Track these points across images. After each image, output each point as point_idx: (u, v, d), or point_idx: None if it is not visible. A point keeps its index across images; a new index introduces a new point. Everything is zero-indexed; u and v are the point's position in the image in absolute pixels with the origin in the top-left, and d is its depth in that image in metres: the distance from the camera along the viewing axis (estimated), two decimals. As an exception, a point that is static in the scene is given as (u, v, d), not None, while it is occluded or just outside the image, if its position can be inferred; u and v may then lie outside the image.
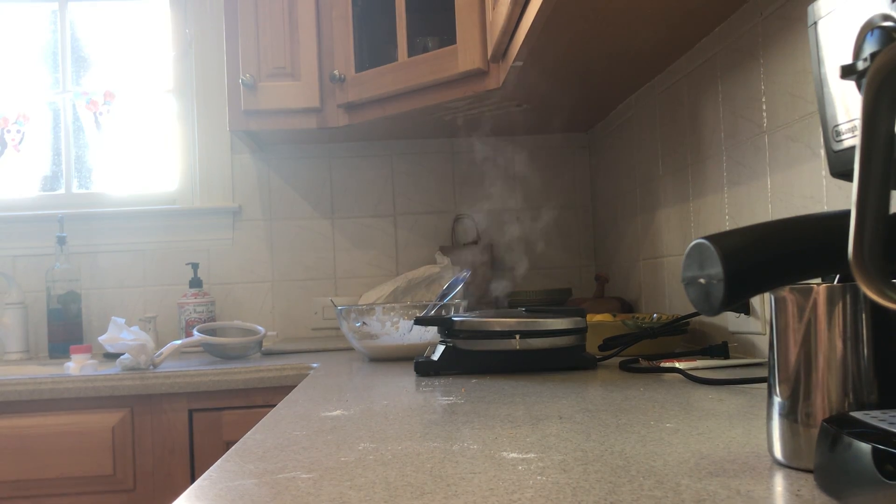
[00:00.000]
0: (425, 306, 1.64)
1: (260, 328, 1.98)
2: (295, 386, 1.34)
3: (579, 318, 1.36)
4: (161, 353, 1.80)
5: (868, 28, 0.54)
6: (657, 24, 1.42)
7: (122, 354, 1.78)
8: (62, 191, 2.48)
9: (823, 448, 0.53)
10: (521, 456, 0.68)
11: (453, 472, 0.63)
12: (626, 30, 1.44)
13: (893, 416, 0.53)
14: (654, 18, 1.39)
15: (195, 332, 1.90)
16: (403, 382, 1.25)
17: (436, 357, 1.35)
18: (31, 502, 1.68)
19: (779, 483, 0.57)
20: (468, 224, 2.47)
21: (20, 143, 2.47)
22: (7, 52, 2.51)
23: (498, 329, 1.33)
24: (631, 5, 1.32)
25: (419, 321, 1.43)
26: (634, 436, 0.75)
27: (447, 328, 1.36)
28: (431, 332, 1.60)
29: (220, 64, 2.26)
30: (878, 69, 0.49)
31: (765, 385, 0.63)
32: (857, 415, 0.54)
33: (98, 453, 1.68)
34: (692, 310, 1.41)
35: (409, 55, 1.89)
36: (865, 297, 0.50)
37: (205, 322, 2.20)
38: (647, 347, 1.43)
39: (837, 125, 0.61)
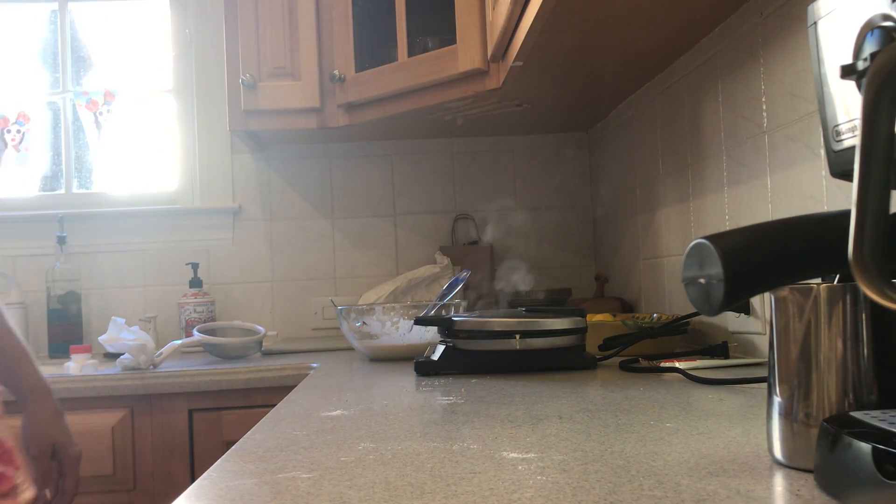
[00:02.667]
0: (425, 306, 1.64)
1: (260, 328, 1.98)
2: (295, 386, 1.34)
3: (579, 318, 1.36)
4: (161, 353, 1.80)
5: (868, 28, 0.54)
6: (657, 24, 1.42)
7: (122, 354, 1.78)
8: (62, 191, 2.48)
9: (823, 448, 0.53)
10: (521, 456, 0.68)
11: (453, 472, 0.63)
12: (626, 30, 1.44)
13: (893, 416, 0.53)
14: (654, 18, 1.39)
15: (195, 332, 1.90)
16: (403, 382, 1.25)
17: (436, 357, 1.35)
18: (31, 502, 1.68)
19: (779, 483, 0.57)
20: (468, 224, 2.47)
21: (20, 143, 2.47)
22: (7, 52, 2.51)
23: (498, 329, 1.33)
24: (631, 6, 1.31)
25: (419, 321, 1.43)
26: (634, 436, 0.75)
27: (447, 328, 1.36)
28: (431, 332, 1.60)
29: (220, 64, 2.26)
30: (878, 69, 0.49)
31: (765, 385, 0.63)
32: (857, 415, 0.54)
33: (98, 453, 1.68)
34: (692, 310, 1.41)
35: (409, 55, 1.89)
36: (865, 297, 0.50)
37: (205, 322, 2.20)
38: (647, 347, 1.42)
39: (837, 125, 0.61)
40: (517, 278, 2.34)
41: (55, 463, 1.35)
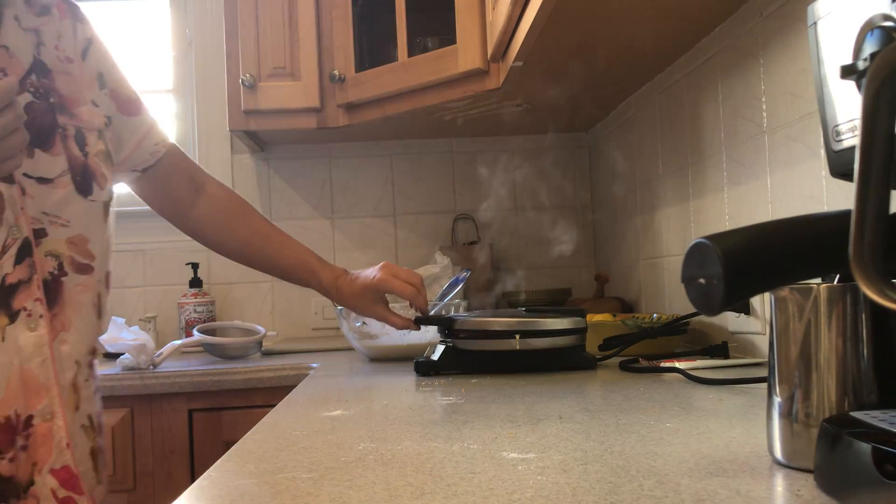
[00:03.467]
0: (425, 306, 1.64)
1: (260, 328, 1.98)
2: (295, 386, 1.34)
3: (579, 318, 1.35)
4: (161, 353, 1.80)
5: (868, 28, 0.54)
6: (657, 24, 1.42)
7: (122, 354, 1.78)
8: (62, 191, 2.47)
9: (823, 448, 0.53)
10: (521, 456, 0.68)
11: (453, 472, 0.63)
12: (626, 30, 1.44)
13: (893, 416, 0.53)
14: (654, 18, 1.39)
15: (195, 332, 1.90)
16: (403, 382, 1.25)
17: (436, 357, 1.35)
18: (31, 502, 1.68)
19: (779, 483, 0.57)
20: (468, 224, 2.47)
21: (20, 143, 2.46)
22: (7, 52, 2.50)
23: (498, 329, 1.33)
24: (631, 6, 1.31)
25: (419, 321, 1.43)
26: (634, 436, 0.75)
27: (447, 328, 1.36)
28: (431, 332, 1.60)
29: (220, 64, 2.26)
30: (878, 69, 0.49)
31: (765, 385, 0.63)
32: (857, 415, 0.54)
33: (98, 453, 1.68)
34: (692, 310, 1.41)
35: (409, 55, 1.89)
36: (865, 297, 0.50)
37: (205, 322, 2.20)
38: (647, 347, 1.42)
39: (837, 125, 0.61)
40: (517, 278, 2.34)
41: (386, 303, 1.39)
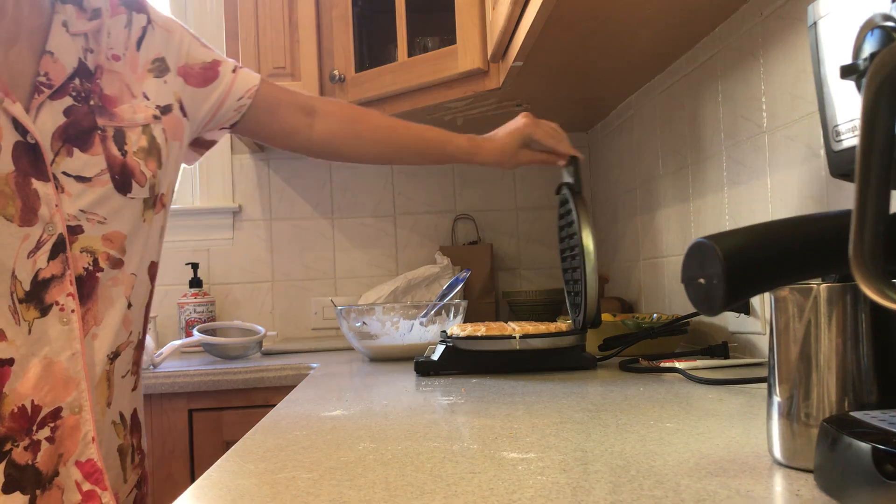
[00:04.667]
0: (425, 306, 1.64)
1: (260, 328, 1.98)
2: (295, 386, 1.34)
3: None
4: (161, 353, 1.80)
5: (868, 28, 0.54)
6: (657, 25, 1.42)
7: (122, 354, 1.78)
8: (62, 191, 2.47)
9: (823, 448, 0.53)
10: (521, 456, 0.68)
11: (453, 472, 0.63)
12: (626, 30, 1.44)
13: (893, 416, 0.53)
14: (654, 18, 1.39)
15: (195, 332, 1.90)
16: (403, 382, 1.25)
17: (436, 357, 1.35)
18: (31, 502, 1.68)
19: (779, 483, 0.57)
20: (468, 224, 2.47)
21: (20, 143, 2.46)
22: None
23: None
24: (631, 5, 1.32)
25: (572, 160, 1.42)
26: (634, 436, 0.75)
27: (577, 181, 1.40)
28: (431, 332, 1.60)
29: (220, 64, 2.26)
30: (878, 69, 0.49)
31: (765, 385, 0.63)
32: (857, 415, 0.54)
33: (98, 453, 1.68)
34: (692, 310, 1.41)
35: (409, 55, 1.89)
36: (865, 297, 0.50)
37: (205, 322, 2.20)
38: (647, 347, 1.43)
39: (837, 125, 0.62)
40: (516, 278, 2.33)
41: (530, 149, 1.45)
